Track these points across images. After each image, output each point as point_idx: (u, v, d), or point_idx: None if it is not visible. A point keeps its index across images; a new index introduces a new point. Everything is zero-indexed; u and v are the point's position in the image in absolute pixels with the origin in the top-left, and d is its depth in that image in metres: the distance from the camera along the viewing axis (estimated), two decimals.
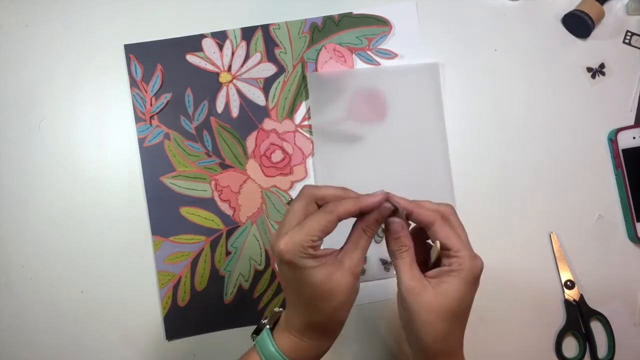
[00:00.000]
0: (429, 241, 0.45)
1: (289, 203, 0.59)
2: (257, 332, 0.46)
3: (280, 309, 0.47)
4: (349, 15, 0.62)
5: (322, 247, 0.42)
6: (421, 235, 0.45)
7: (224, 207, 0.59)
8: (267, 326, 0.45)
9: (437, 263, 0.44)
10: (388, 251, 0.44)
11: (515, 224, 0.60)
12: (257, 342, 0.45)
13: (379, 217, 0.43)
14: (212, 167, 0.60)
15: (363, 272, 0.59)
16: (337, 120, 0.60)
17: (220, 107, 0.60)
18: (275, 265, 0.59)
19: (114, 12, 0.61)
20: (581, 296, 0.59)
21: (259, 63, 0.61)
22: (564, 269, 0.59)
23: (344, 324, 0.45)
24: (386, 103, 0.61)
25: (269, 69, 0.61)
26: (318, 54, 0.61)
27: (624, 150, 0.60)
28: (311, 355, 0.45)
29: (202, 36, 0.61)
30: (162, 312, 0.58)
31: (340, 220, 0.42)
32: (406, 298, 0.42)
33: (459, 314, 0.42)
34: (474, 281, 0.42)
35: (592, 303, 0.59)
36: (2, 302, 0.58)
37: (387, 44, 0.61)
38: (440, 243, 0.43)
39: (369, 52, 0.61)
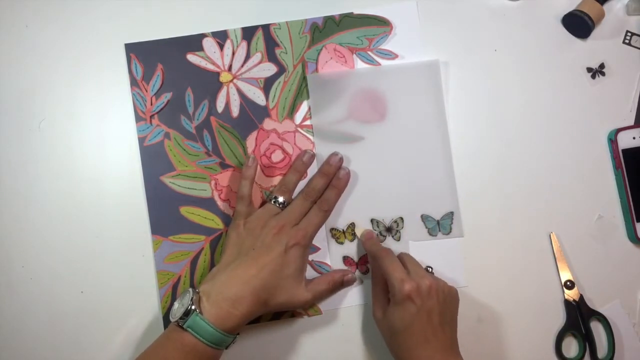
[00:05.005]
0: None
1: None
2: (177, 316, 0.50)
3: (196, 290, 0.51)
4: (349, 15, 0.62)
5: None
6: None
7: (224, 206, 0.59)
8: (196, 310, 0.49)
9: None
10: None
11: (515, 224, 0.60)
12: (190, 327, 0.48)
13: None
14: (212, 166, 0.60)
15: (367, 270, 0.59)
16: (337, 120, 0.60)
17: (220, 106, 0.60)
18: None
19: (114, 11, 0.61)
20: (581, 296, 0.59)
21: (259, 63, 0.61)
22: (564, 269, 0.59)
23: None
24: (387, 102, 0.61)
25: (270, 69, 0.61)
26: (318, 54, 0.61)
27: (624, 150, 0.60)
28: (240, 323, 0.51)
29: (203, 36, 0.61)
30: (161, 311, 0.58)
31: None
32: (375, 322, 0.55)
33: (404, 329, 0.50)
34: (404, 301, 0.50)
35: (592, 303, 0.59)
36: (2, 302, 0.58)
37: (388, 45, 0.61)
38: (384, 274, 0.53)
39: (369, 53, 0.61)
